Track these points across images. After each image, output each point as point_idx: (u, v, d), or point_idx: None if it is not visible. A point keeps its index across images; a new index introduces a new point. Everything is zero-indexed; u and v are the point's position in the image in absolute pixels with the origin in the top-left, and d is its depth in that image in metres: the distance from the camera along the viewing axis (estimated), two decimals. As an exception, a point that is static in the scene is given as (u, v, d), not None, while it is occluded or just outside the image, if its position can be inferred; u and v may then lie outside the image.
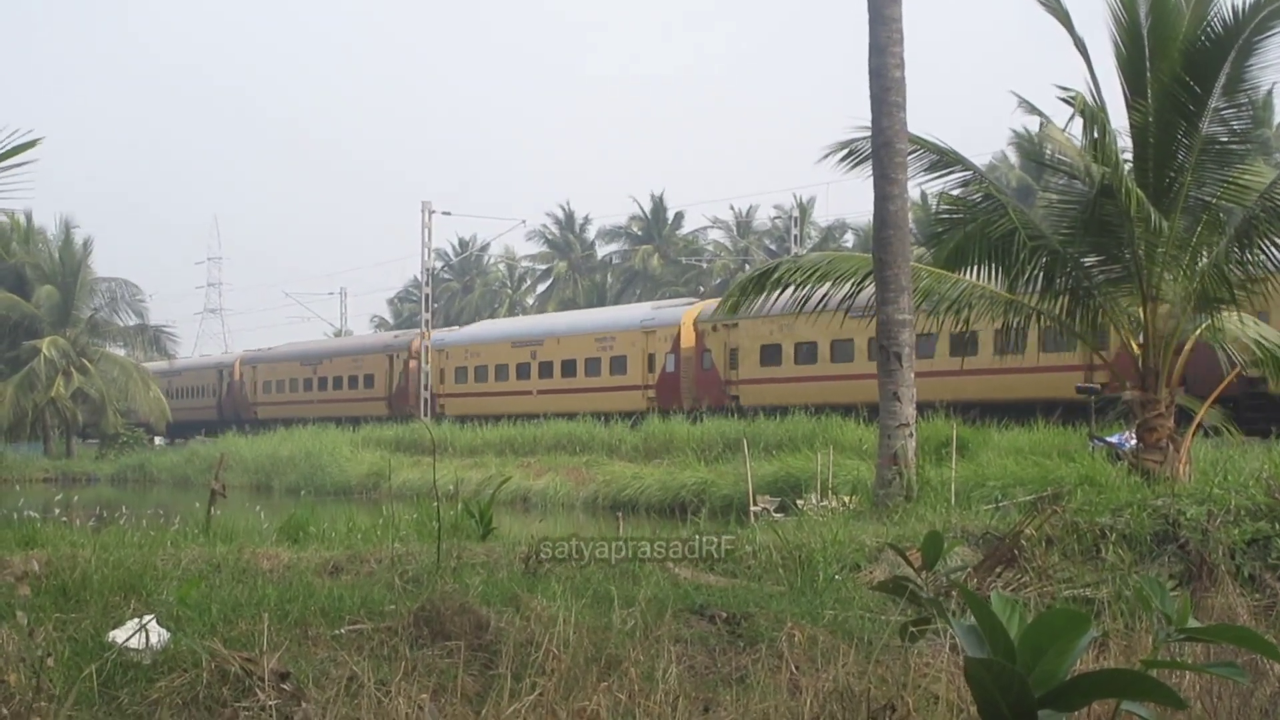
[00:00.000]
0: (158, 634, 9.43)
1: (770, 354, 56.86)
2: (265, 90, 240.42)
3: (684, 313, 63.05)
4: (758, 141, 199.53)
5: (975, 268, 23.10)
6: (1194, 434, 22.03)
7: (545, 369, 68.72)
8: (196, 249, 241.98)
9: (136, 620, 9.56)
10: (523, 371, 70.00)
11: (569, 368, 67.29)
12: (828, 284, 23.67)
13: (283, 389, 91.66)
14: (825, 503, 23.08)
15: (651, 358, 62.73)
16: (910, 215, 23.37)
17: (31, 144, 19.55)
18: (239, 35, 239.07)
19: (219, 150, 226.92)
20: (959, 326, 23.59)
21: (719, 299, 60.89)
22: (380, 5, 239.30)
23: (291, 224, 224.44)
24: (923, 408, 22.63)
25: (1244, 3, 20.02)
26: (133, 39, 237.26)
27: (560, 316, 78.02)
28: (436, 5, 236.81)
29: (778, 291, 24.08)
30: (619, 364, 64.39)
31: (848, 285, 23.50)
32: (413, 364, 77.94)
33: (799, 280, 23.77)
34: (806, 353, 55.28)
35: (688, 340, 61.17)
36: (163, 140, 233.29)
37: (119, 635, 9.38)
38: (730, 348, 58.40)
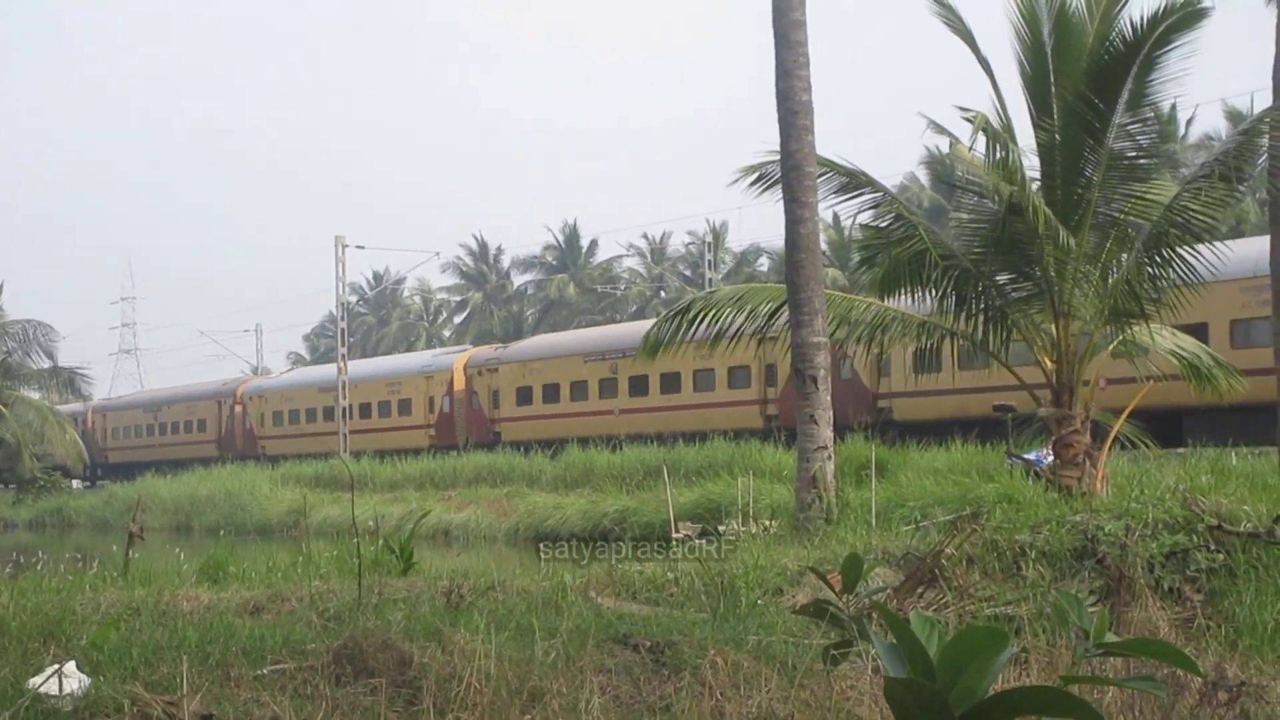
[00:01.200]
0: (78, 680, 9.36)
1: (524, 395, 65.88)
2: (182, 117, 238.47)
3: (456, 359, 73.10)
4: (668, 166, 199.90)
5: (900, 292, 23.20)
6: (1110, 449, 22.16)
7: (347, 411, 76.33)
8: (113, 287, 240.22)
9: (56, 666, 9.49)
10: (328, 414, 77.21)
11: (366, 410, 75.71)
12: (742, 316, 23.76)
13: (129, 435, 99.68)
14: (746, 528, 23.07)
15: (431, 400, 72.51)
16: (823, 237, 23.47)
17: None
18: (161, 62, 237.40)
19: (137, 182, 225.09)
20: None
21: (487, 346, 78.97)
22: (292, 35, 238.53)
23: (207, 260, 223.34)
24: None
25: (1144, 18, 20.22)
26: (56, 64, 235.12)
27: (358, 364, 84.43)
28: (350, 38, 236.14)
29: (694, 328, 24.17)
30: (405, 406, 74.25)
31: (761, 316, 23.63)
32: (238, 409, 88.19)
33: (713, 315, 23.86)
34: (551, 393, 64.37)
35: (460, 384, 70.89)
36: (81, 171, 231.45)
37: (37, 682, 9.30)
38: (493, 390, 68.08)
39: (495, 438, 65.79)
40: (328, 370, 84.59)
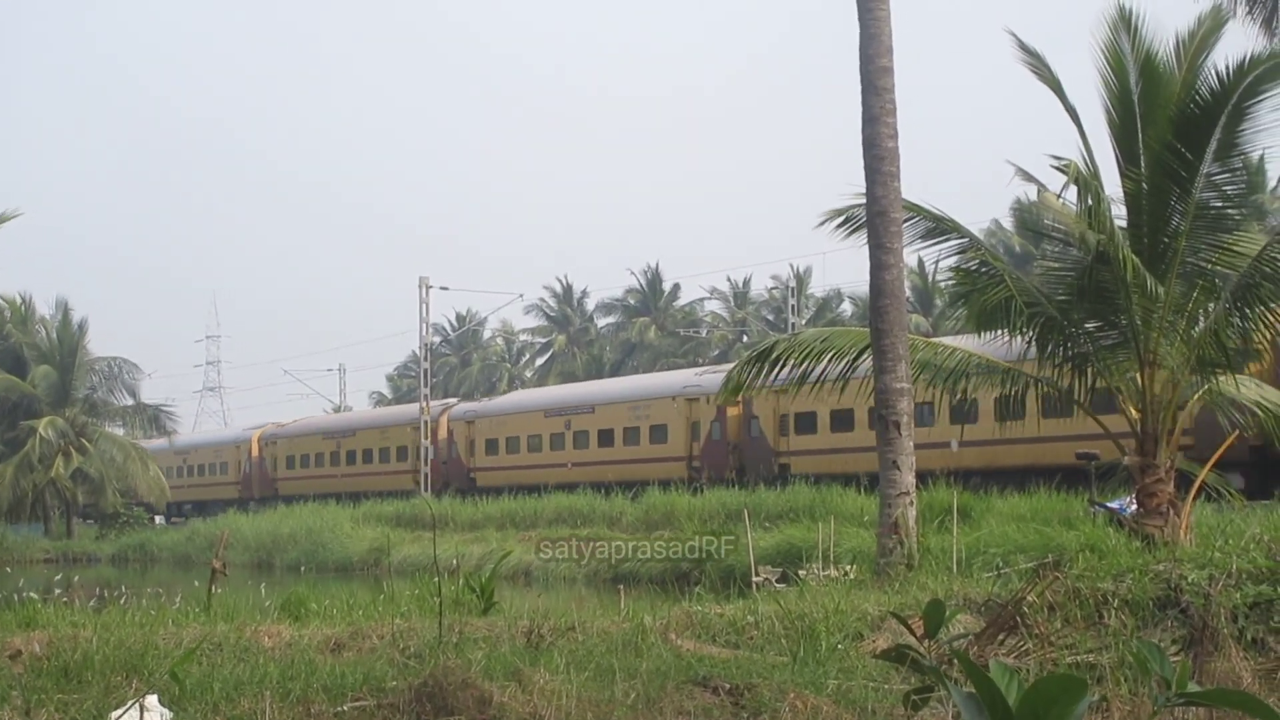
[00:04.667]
0: (159, 713, 9.42)
1: (293, 461, 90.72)
2: (267, 157, 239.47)
3: (253, 434, 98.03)
4: (753, 208, 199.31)
5: (993, 332, 23.06)
6: (1194, 498, 21.96)
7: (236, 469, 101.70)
8: (198, 325, 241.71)
9: (137, 699, 9.54)
10: (202, 470, 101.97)
11: (201, 469, 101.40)
12: (826, 359, 23.66)
13: None
14: (827, 572, 23.00)
15: (239, 463, 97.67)
16: (907, 283, 23.39)
17: (10, 216, 19.76)
18: (249, 104, 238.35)
19: (223, 221, 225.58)
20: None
21: (273, 423, 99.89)
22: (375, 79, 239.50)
23: (292, 299, 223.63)
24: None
25: (1229, 67, 20.11)
26: (138, 104, 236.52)
27: (192, 436, 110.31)
28: (446, 85, 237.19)
29: (776, 370, 24.09)
30: (223, 467, 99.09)
31: (845, 359, 23.52)
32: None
33: (797, 357, 23.76)
34: (305, 461, 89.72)
35: (255, 452, 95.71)
36: (167, 210, 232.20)
37: (119, 715, 9.36)
38: (274, 457, 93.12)
39: (275, 492, 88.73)
40: (223, 433, 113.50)
